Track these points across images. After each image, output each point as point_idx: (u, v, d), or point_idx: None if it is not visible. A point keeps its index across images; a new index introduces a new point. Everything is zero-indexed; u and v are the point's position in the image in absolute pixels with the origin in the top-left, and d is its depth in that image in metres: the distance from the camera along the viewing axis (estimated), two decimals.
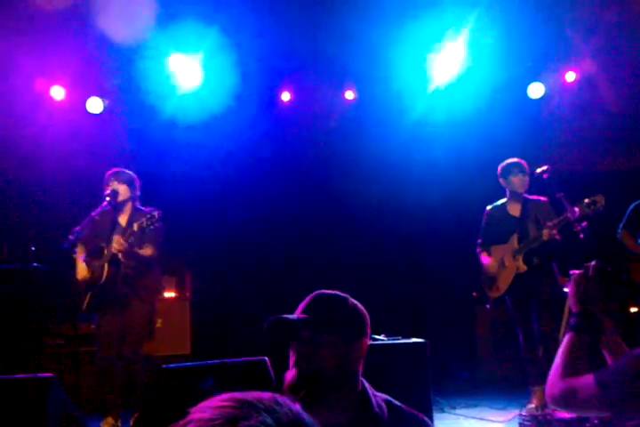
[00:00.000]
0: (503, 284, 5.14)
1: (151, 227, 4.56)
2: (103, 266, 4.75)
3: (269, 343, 1.67)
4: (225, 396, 0.82)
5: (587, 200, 4.57)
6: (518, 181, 5.13)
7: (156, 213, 4.56)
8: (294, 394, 1.62)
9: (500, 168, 5.24)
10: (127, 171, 4.99)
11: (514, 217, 5.21)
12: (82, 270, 4.88)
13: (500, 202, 5.33)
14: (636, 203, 5.31)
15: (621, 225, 5.35)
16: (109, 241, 4.75)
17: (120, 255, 4.68)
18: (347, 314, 1.72)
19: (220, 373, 2.95)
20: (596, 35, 6.34)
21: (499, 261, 5.20)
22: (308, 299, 1.75)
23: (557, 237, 4.77)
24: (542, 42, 6.53)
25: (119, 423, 4.68)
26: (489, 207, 5.38)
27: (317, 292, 1.76)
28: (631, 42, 6.26)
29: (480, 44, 6.54)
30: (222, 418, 0.77)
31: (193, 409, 0.80)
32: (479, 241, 5.39)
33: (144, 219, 4.57)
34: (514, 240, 5.13)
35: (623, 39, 6.34)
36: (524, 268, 5.04)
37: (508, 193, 5.26)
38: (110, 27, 5.64)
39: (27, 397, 2.76)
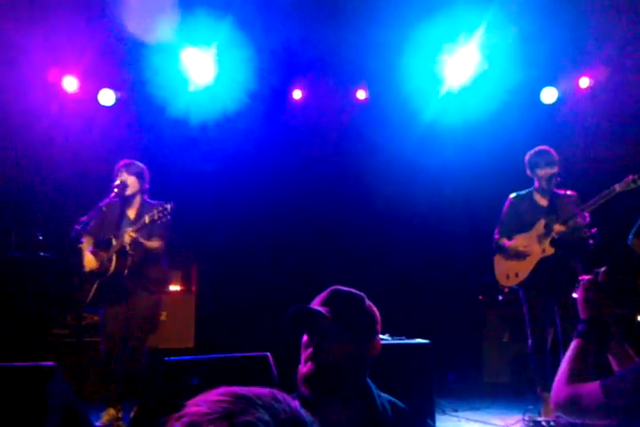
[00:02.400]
0: (524, 270, 4.78)
1: (163, 219, 4.54)
2: (111, 257, 4.73)
3: (289, 332, 1.65)
4: (222, 390, 0.80)
5: (631, 176, 4.19)
6: (545, 175, 4.81)
7: (168, 206, 4.52)
8: (308, 387, 1.61)
9: (526, 158, 4.94)
10: (137, 162, 4.96)
11: (542, 206, 4.90)
12: (89, 262, 4.85)
13: (524, 191, 5.02)
14: None
15: (633, 232, 5.08)
16: (117, 233, 4.75)
17: (128, 247, 4.67)
18: (364, 315, 1.72)
19: (221, 367, 2.94)
20: (610, 41, 6.28)
21: (521, 249, 4.86)
22: (325, 293, 1.73)
23: (588, 219, 4.43)
24: (556, 46, 6.48)
25: (120, 415, 4.68)
26: (512, 195, 5.04)
27: (334, 287, 1.75)
28: None
29: (493, 47, 6.50)
30: (217, 413, 0.75)
31: (189, 402, 0.78)
32: (497, 232, 5.02)
33: (155, 211, 4.55)
34: (539, 226, 4.78)
35: (637, 46, 6.28)
36: (550, 250, 4.67)
37: (535, 183, 4.95)
38: (126, 18, 5.63)
39: (28, 384, 2.76)
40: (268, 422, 0.74)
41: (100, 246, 4.84)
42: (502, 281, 4.96)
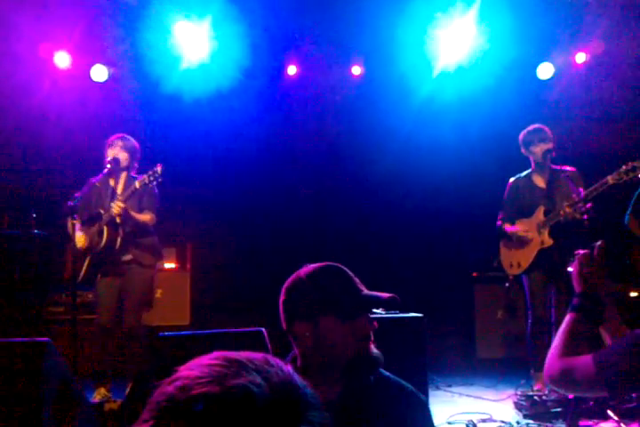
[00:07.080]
0: (525, 260, 4.83)
1: (154, 182, 4.48)
2: (102, 230, 4.69)
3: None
4: (215, 354, 0.80)
5: (624, 167, 4.22)
6: (540, 151, 4.80)
7: (158, 169, 4.44)
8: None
9: (520, 137, 4.95)
10: (132, 139, 4.93)
11: (540, 188, 4.91)
12: (80, 239, 4.78)
13: (524, 173, 5.03)
14: None
15: (628, 212, 4.78)
16: (106, 206, 4.71)
17: (118, 219, 4.63)
18: None
19: (216, 342, 2.95)
20: (606, 16, 6.23)
21: (522, 234, 4.87)
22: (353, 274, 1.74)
23: (578, 216, 4.46)
24: (553, 22, 6.42)
25: (110, 394, 4.69)
26: (512, 179, 5.06)
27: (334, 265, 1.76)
28: None
29: (489, 22, 6.44)
30: (210, 376, 0.75)
31: (181, 367, 0.78)
32: (500, 215, 5.06)
33: (146, 176, 4.50)
34: (539, 213, 4.80)
35: (634, 21, 6.23)
36: (549, 242, 4.72)
37: (532, 164, 4.96)
38: None
39: (23, 360, 2.77)
40: (261, 385, 0.74)
41: (90, 222, 4.77)
42: (507, 269, 5.02)
